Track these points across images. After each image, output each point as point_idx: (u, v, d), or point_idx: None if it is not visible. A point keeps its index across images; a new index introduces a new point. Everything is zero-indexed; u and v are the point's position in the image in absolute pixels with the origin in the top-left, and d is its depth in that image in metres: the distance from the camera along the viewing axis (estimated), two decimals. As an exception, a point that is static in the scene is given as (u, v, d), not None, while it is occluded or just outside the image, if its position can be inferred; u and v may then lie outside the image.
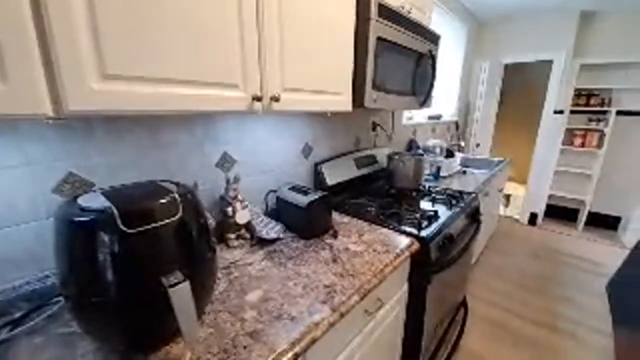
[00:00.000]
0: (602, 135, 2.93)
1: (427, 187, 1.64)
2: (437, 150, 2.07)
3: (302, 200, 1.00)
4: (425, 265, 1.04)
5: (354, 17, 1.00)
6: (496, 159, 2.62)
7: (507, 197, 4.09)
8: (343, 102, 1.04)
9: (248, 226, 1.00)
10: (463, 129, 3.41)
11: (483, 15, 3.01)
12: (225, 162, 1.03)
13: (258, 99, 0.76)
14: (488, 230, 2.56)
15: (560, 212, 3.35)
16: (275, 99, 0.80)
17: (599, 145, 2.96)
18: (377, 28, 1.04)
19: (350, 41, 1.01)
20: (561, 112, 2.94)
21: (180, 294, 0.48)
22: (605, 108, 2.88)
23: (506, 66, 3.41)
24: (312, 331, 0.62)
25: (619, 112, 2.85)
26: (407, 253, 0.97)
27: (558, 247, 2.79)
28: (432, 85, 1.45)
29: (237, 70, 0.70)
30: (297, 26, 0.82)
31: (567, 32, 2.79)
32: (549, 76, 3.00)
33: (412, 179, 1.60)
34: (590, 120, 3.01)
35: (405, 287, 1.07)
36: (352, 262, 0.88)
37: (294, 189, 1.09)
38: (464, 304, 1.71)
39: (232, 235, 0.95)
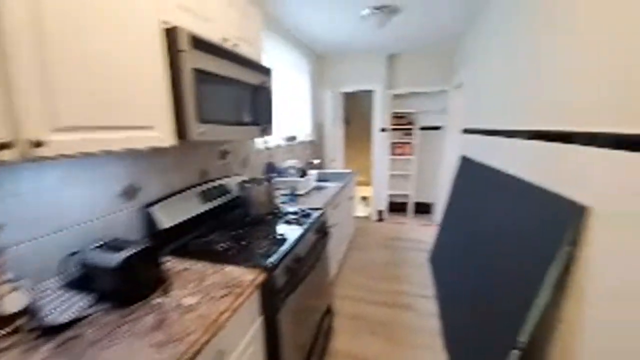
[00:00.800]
0: (412, 145, 3.95)
1: (282, 209, 1.71)
2: (293, 170, 2.21)
3: (112, 259, 0.81)
4: (273, 294, 1.05)
5: (160, 48, 0.92)
6: (346, 171, 3.07)
7: (365, 199, 4.88)
8: (158, 137, 0.93)
9: (28, 313, 0.73)
10: (319, 147, 3.84)
11: (319, 50, 3.52)
12: (-29, 231, 0.72)
13: (5, 146, 0.57)
14: (347, 233, 2.93)
15: (398, 206, 4.26)
16: (38, 144, 0.62)
17: (412, 153, 3.98)
18: (192, 60, 1.00)
19: (158, 71, 0.92)
20: (384, 130, 3.77)
21: None
22: (412, 126, 3.92)
23: (347, 94, 4.10)
24: None
25: (422, 128, 3.93)
26: (251, 289, 0.94)
27: (397, 235, 3.52)
28: (270, 115, 1.53)
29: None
30: (71, 54, 0.66)
31: (381, 69, 3.64)
32: (375, 102, 3.82)
33: (267, 203, 1.63)
34: (404, 135, 4.01)
35: (258, 322, 1.04)
36: (182, 322, 0.77)
37: (104, 246, 0.88)
38: (329, 310, 1.86)
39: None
